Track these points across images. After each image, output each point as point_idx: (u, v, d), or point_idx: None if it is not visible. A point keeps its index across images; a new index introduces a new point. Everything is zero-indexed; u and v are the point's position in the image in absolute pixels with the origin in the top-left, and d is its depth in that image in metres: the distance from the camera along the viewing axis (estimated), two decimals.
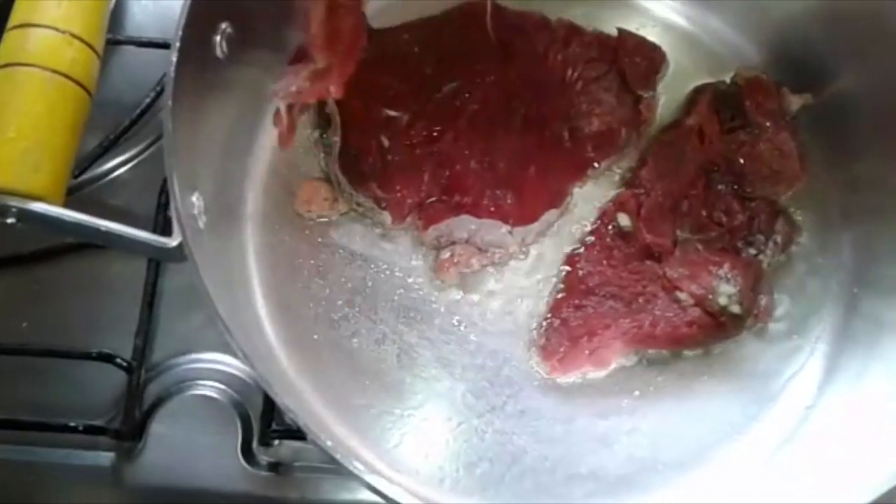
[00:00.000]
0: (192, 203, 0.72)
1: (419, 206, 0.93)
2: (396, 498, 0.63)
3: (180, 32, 0.68)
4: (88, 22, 0.71)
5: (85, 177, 1.01)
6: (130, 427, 0.92)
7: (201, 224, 0.74)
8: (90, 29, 0.71)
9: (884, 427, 0.76)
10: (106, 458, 0.92)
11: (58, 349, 0.92)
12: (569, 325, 0.89)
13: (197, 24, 0.72)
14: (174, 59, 0.68)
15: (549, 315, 0.90)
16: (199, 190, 0.75)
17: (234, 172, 0.91)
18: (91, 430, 0.91)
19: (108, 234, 0.67)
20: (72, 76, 0.70)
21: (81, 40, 0.70)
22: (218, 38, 0.77)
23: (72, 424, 0.90)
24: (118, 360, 0.91)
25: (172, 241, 0.67)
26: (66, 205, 0.69)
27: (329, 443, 0.63)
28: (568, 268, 0.92)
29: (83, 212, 0.69)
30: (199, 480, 0.91)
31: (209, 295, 0.64)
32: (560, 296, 0.91)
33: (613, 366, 0.89)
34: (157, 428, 0.93)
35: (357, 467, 0.63)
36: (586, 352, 0.88)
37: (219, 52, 0.78)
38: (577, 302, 0.90)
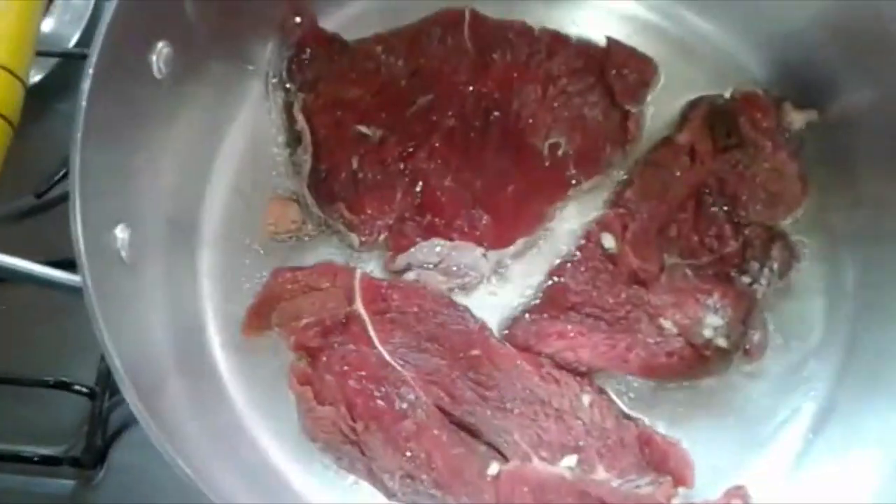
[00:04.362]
0: (114, 236, 0.70)
1: (389, 228, 0.89)
2: None
3: (94, 58, 0.64)
4: (12, 48, 0.67)
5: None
6: (91, 455, 0.89)
7: (125, 258, 0.71)
8: (14, 55, 0.67)
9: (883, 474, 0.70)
10: (66, 486, 0.90)
11: (10, 377, 0.89)
12: (539, 324, 0.85)
13: (123, 44, 0.68)
14: (86, 86, 0.64)
15: (520, 313, 0.86)
16: (127, 222, 0.71)
17: (189, 193, 0.88)
18: (47, 460, 0.89)
19: (11, 270, 0.63)
20: None
21: (4, 68, 0.66)
22: (154, 57, 0.74)
23: (26, 454, 0.88)
24: (77, 388, 0.89)
25: (74, 278, 0.64)
26: None
27: None
28: (549, 282, 0.87)
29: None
30: None
31: (103, 337, 0.62)
32: (536, 303, 0.86)
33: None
34: (119, 456, 0.90)
35: None
36: (551, 349, 0.84)
37: (156, 73, 0.74)
38: (553, 313, 0.85)
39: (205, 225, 0.89)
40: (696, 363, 0.82)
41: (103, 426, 0.90)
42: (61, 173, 0.94)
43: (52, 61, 0.98)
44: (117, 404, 0.91)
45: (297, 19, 0.91)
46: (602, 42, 0.93)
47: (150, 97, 0.75)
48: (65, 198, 0.65)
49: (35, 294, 0.91)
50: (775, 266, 0.85)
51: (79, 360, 0.91)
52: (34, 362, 0.91)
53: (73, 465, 0.89)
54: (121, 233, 0.71)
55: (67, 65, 0.99)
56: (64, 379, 0.88)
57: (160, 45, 0.74)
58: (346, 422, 0.81)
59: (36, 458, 0.88)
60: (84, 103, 0.64)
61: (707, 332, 0.83)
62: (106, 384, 0.89)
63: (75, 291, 0.65)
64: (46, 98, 0.98)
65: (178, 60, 0.76)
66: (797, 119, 0.89)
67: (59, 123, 0.99)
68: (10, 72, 0.67)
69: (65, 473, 0.90)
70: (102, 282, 0.65)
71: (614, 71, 0.92)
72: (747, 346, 0.83)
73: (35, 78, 0.97)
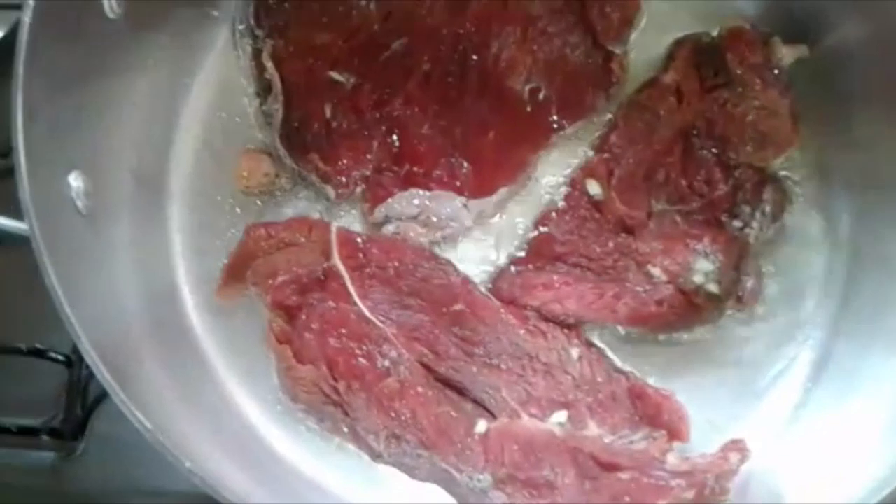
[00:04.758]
0: (67, 184, 0.67)
1: (366, 179, 0.86)
2: None
3: None
4: None
5: None
6: (71, 426, 0.88)
7: (81, 206, 0.68)
8: None
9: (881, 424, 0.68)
10: (46, 457, 0.89)
11: None
12: (524, 275, 0.82)
13: None
14: (26, 18, 0.61)
15: (505, 265, 0.84)
16: (81, 168, 0.68)
17: (155, 146, 0.85)
18: (26, 431, 0.87)
19: None
20: None
21: None
22: None
23: (4, 425, 0.87)
24: (52, 355, 0.87)
25: (21, 225, 0.62)
26: None
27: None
28: (534, 233, 0.85)
29: None
30: (143, 480, 0.87)
31: (55, 288, 0.61)
32: (521, 255, 0.84)
33: None
34: (100, 425, 0.89)
35: None
36: (537, 301, 0.81)
37: (108, 11, 0.70)
38: (539, 264, 0.83)
39: (173, 179, 0.86)
40: (688, 311, 0.80)
41: (82, 395, 0.89)
42: None
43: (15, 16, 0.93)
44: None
45: None
46: None
47: (103, 39, 0.72)
48: None
49: (8, 258, 0.89)
50: (767, 209, 0.82)
51: (56, 328, 0.88)
52: (8, 329, 0.89)
53: (53, 436, 0.88)
54: (74, 181, 0.68)
55: None
56: (38, 346, 0.86)
57: None
58: (327, 381, 0.78)
59: (14, 430, 0.87)
60: (25, 37, 0.61)
61: (697, 278, 0.80)
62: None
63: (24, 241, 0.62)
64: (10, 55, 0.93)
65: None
66: (787, 54, 0.85)
67: None
68: None
69: (44, 444, 0.88)
70: (55, 231, 0.63)
71: (596, 9, 0.88)
72: (740, 294, 0.81)
73: None
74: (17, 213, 0.67)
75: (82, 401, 0.89)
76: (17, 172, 0.61)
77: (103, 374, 0.63)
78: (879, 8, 0.78)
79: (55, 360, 0.86)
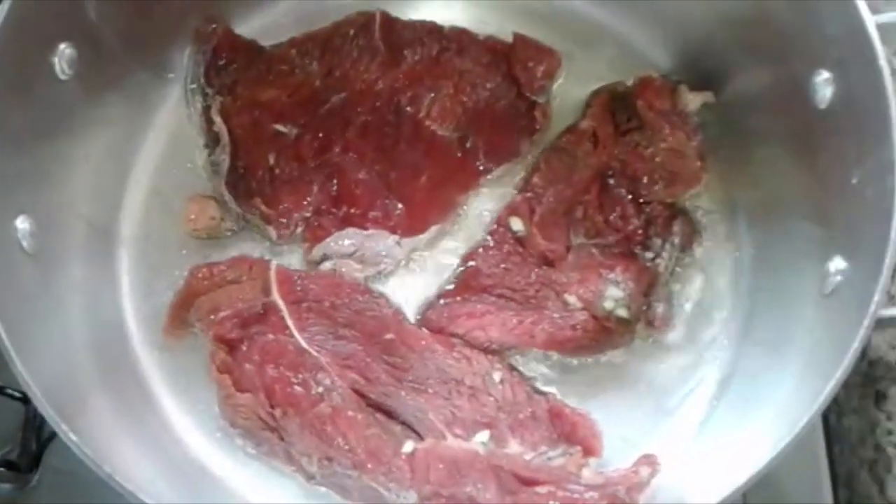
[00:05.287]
0: (13, 227, 0.72)
1: (306, 221, 0.91)
2: None
3: None
4: None
5: None
6: (27, 459, 0.91)
7: (27, 247, 0.73)
8: None
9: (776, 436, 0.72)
10: (3, 489, 0.92)
11: None
12: (451, 306, 0.87)
13: (20, 43, 0.71)
14: None
15: (434, 297, 0.89)
16: (29, 213, 0.73)
17: (107, 194, 0.90)
18: None
19: None
20: None
21: None
22: (56, 59, 0.76)
23: None
24: (9, 392, 0.89)
25: None
26: None
27: None
28: (462, 267, 0.90)
29: None
30: None
31: None
32: (450, 287, 0.89)
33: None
34: (54, 459, 0.91)
35: None
36: (462, 329, 0.86)
37: (59, 74, 0.77)
38: (467, 296, 0.88)
39: (123, 225, 0.91)
40: (600, 334, 0.85)
41: (37, 431, 0.91)
42: None
43: None
44: None
45: (212, 26, 0.94)
46: (509, 38, 0.97)
47: (55, 99, 0.77)
48: None
49: None
50: (677, 241, 0.88)
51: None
52: None
53: (10, 469, 0.90)
54: (21, 223, 0.73)
55: None
56: None
57: (62, 45, 0.76)
58: (264, 409, 0.82)
59: None
60: None
61: (608, 304, 0.85)
62: None
63: None
64: None
65: (83, 63, 0.78)
66: (693, 100, 0.92)
67: None
68: None
69: (1, 477, 0.91)
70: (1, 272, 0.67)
71: (520, 65, 0.95)
72: (651, 318, 0.86)
73: None
74: None
75: (37, 435, 0.91)
76: None
77: (49, 413, 0.66)
78: (775, 59, 0.85)
79: (12, 397, 0.89)
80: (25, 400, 0.90)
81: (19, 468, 0.90)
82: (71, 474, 0.90)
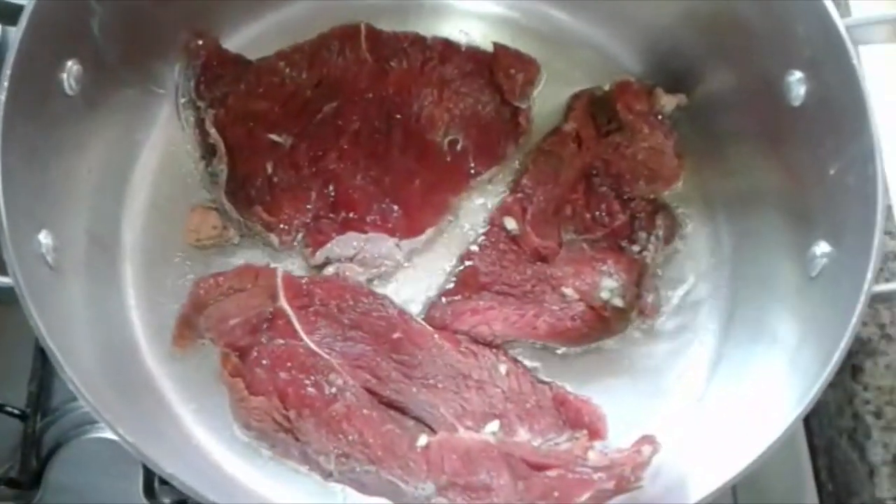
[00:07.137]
0: (38, 242, 0.73)
1: (307, 226, 0.94)
2: None
3: (8, 70, 0.68)
4: None
5: None
6: (28, 476, 0.91)
7: (51, 262, 0.74)
8: None
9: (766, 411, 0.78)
10: None
11: None
12: (454, 304, 0.91)
13: (35, 62, 0.72)
14: (2, 97, 0.68)
15: (436, 296, 0.92)
16: (49, 228, 0.75)
17: (107, 208, 0.91)
18: None
19: None
20: None
21: None
22: (64, 75, 0.78)
23: None
24: (8, 409, 0.90)
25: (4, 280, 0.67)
26: None
27: None
28: (461, 267, 0.94)
29: None
30: None
31: (44, 338, 0.64)
32: (450, 286, 0.93)
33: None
34: (56, 475, 0.91)
35: None
36: (466, 325, 0.90)
37: (67, 90, 0.78)
38: (467, 294, 0.92)
39: (126, 238, 0.92)
40: (598, 324, 0.90)
41: (37, 447, 0.92)
42: None
43: None
44: (50, 425, 0.93)
45: (200, 42, 0.96)
46: (489, 48, 1.01)
47: (64, 114, 0.79)
48: None
49: None
50: (660, 234, 0.94)
51: (8, 383, 0.92)
52: None
53: (11, 486, 0.90)
54: (44, 238, 0.74)
55: None
56: None
57: (70, 62, 0.78)
58: (278, 411, 0.84)
59: None
60: (2, 112, 0.68)
61: (604, 294, 0.90)
62: (37, 406, 0.91)
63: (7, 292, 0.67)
64: None
65: (88, 78, 0.80)
66: (668, 102, 0.98)
67: None
68: None
69: (3, 494, 0.90)
70: (33, 284, 0.68)
71: (502, 72, 1.00)
72: (642, 307, 0.91)
73: None
74: None
75: (37, 452, 0.91)
76: (1, 235, 0.68)
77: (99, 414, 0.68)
78: (742, 61, 0.91)
79: (11, 414, 0.89)
80: (24, 416, 0.91)
81: (21, 485, 0.90)
82: (70, 490, 0.91)
